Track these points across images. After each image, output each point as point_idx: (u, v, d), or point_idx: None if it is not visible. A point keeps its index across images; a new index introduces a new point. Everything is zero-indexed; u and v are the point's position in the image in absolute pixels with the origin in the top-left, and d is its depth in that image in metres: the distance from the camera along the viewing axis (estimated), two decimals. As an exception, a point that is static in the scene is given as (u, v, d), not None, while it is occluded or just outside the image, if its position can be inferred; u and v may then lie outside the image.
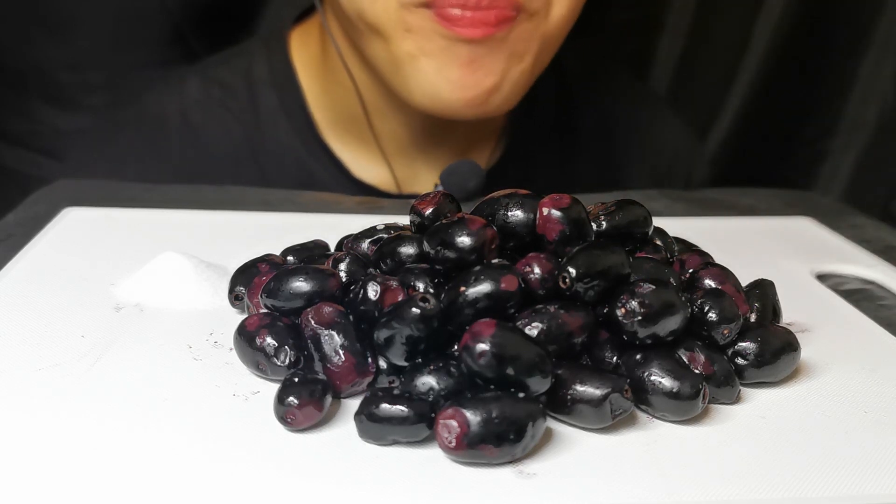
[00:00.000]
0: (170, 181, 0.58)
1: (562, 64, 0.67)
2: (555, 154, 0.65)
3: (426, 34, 0.48)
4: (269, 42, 0.62)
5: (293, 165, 0.60)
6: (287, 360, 0.29)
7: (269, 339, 0.29)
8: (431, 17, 0.48)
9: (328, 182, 0.59)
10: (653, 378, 0.28)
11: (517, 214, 0.31)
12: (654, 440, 0.28)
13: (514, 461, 0.26)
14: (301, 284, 0.30)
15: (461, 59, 0.48)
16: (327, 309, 0.29)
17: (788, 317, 0.36)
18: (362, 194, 0.58)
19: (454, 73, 0.49)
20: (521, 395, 0.26)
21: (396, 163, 0.60)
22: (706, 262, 0.35)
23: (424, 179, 0.60)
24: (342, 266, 0.32)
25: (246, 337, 0.30)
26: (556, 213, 0.30)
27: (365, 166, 0.60)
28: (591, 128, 0.67)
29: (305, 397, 0.26)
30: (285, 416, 0.26)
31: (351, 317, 0.29)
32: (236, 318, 0.33)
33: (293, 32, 0.62)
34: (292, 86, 0.60)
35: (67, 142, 0.69)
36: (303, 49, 0.61)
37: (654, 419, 0.29)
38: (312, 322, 0.29)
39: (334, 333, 0.28)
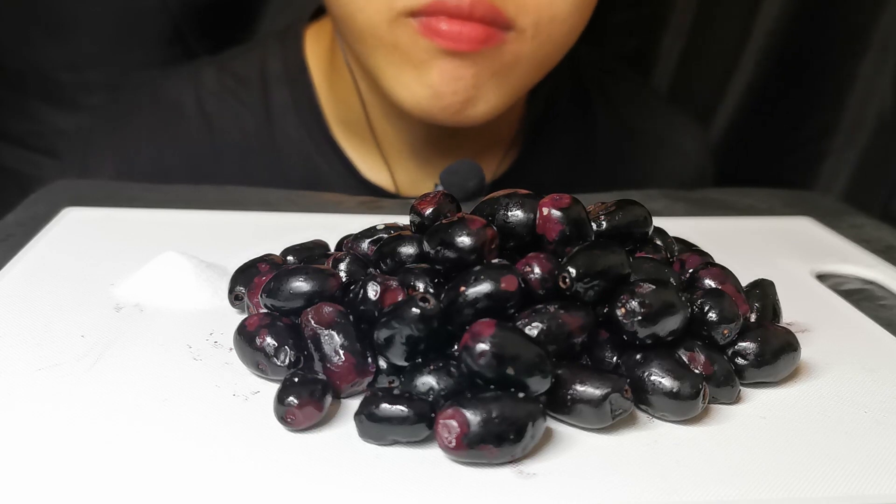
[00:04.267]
0: (183, 167, 0.58)
1: (580, 74, 0.67)
2: (567, 166, 0.65)
3: (411, 46, 0.48)
4: (285, 37, 0.63)
5: (302, 161, 0.61)
6: (287, 361, 0.29)
7: (269, 339, 0.29)
8: (417, 29, 0.47)
9: (335, 180, 0.60)
10: (653, 378, 0.28)
11: (517, 214, 0.31)
12: (654, 440, 0.28)
13: (514, 461, 0.26)
14: (301, 284, 0.30)
15: (442, 69, 0.48)
16: (327, 309, 0.29)
17: (788, 317, 0.36)
18: (369, 194, 0.58)
19: (433, 80, 0.48)
20: (521, 395, 0.26)
21: (398, 167, 0.60)
22: (706, 262, 0.35)
23: (427, 186, 0.60)
24: (342, 266, 0.32)
25: (246, 337, 0.30)
26: (556, 212, 0.31)
27: (371, 167, 0.60)
28: (608, 141, 0.67)
29: (305, 397, 0.26)
30: (285, 416, 0.26)
31: (351, 317, 0.29)
32: (236, 318, 0.33)
33: (309, 29, 0.63)
34: (304, 82, 0.61)
35: (72, 134, 0.69)
36: (316, 46, 0.62)
37: (654, 419, 0.29)
38: (312, 322, 0.29)
39: (334, 333, 0.28)
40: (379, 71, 0.50)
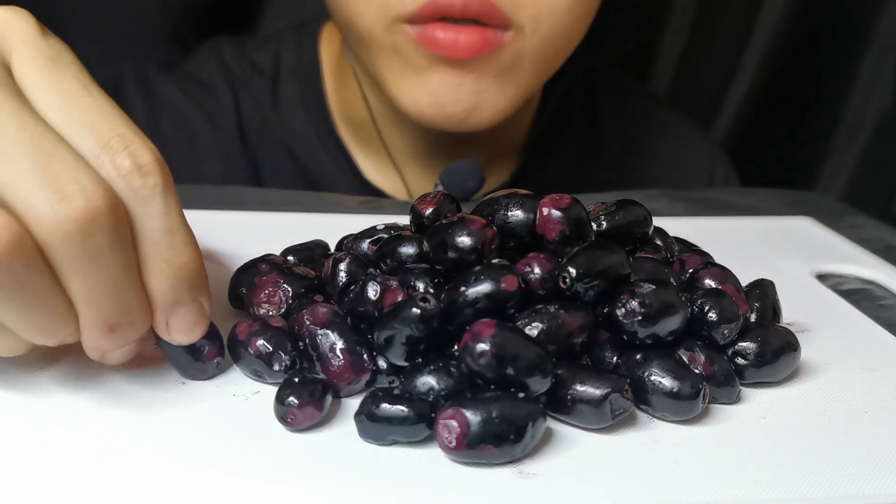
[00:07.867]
0: (222, 141, 0.59)
1: (588, 84, 0.66)
2: (573, 177, 0.64)
3: (410, 53, 0.47)
4: (301, 32, 0.63)
5: (307, 157, 0.61)
6: (283, 366, 0.29)
7: (262, 347, 0.29)
8: (414, 37, 0.46)
9: (338, 179, 0.60)
10: (653, 378, 0.28)
11: (517, 214, 0.31)
12: (654, 440, 0.28)
13: (514, 461, 0.26)
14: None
15: (443, 77, 0.47)
16: (322, 309, 0.29)
17: (788, 317, 0.36)
18: (369, 195, 0.58)
19: (434, 88, 0.48)
20: (521, 395, 0.26)
21: (408, 172, 0.60)
22: (706, 262, 0.35)
23: None
24: (342, 266, 0.32)
25: (238, 347, 0.29)
26: (556, 213, 0.30)
27: (376, 171, 0.60)
28: (614, 153, 0.66)
29: (305, 397, 0.26)
30: (285, 416, 0.26)
31: (348, 318, 0.29)
32: (236, 318, 0.33)
33: (326, 26, 0.63)
34: (315, 79, 0.61)
35: None
36: (330, 45, 0.62)
37: (654, 419, 0.29)
38: (308, 323, 0.29)
39: (329, 332, 0.28)
40: (381, 76, 0.50)
